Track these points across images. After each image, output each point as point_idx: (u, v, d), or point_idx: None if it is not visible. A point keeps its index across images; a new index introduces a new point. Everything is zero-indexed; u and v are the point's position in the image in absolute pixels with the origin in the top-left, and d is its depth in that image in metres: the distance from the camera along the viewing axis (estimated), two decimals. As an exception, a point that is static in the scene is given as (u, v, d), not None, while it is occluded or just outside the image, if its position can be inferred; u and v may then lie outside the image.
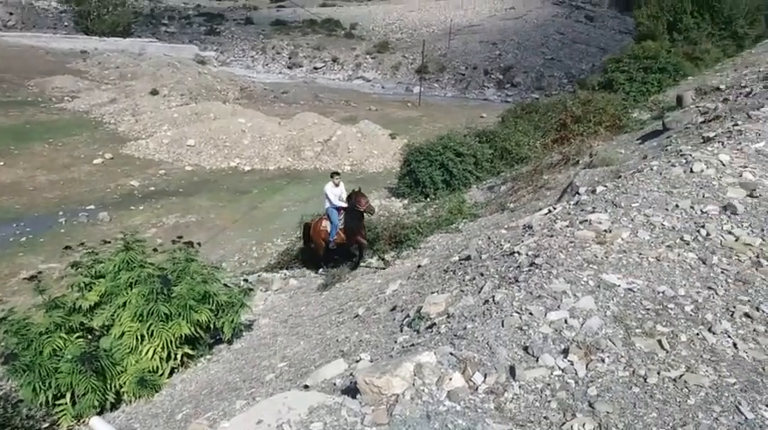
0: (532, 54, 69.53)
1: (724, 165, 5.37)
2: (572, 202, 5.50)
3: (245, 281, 11.26)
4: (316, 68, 73.51)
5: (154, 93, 37.65)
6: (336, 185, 11.57)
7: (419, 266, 8.32)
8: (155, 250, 8.05)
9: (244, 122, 31.02)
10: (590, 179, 9.21)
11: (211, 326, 7.32)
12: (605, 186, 5.64)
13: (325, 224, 11.64)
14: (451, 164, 18.08)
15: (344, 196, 11.38)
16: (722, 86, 13.40)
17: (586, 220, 4.48)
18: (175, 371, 6.97)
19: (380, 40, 78.16)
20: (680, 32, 26.06)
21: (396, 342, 4.35)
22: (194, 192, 24.61)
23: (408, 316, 4.87)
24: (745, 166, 5.38)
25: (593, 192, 5.62)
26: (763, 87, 11.06)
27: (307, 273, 13.12)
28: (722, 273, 3.68)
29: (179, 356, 6.93)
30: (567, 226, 4.56)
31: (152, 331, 6.51)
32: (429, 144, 19.41)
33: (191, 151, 29.03)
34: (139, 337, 6.44)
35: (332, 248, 11.61)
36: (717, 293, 3.44)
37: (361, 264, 11.42)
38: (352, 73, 72.24)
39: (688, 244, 4.01)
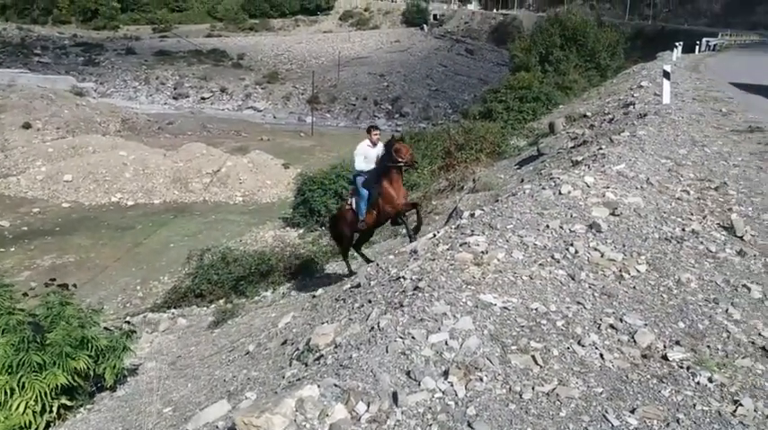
0: (419, 85, 72.07)
1: (589, 186, 5.78)
2: (453, 226, 5.68)
3: (128, 323, 10.58)
4: (203, 99, 71.65)
5: (26, 126, 34.96)
6: (374, 145, 8.62)
7: (314, 296, 8.23)
8: (25, 295, 7.41)
9: (126, 155, 29.50)
10: (472, 203, 9.60)
11: (91, 373, 6.80)
12: (483, 210, 5.89)
13: (351, 201, 8.90)
14: (345, 192, 18.18)
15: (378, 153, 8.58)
16: (588, 113, 14.54)
17: (466, 243, 4.63)
18: (51, 424, 6.37)
19: (270, 71, 77.69)
20: (551, 64, 28.14)
21: (283, 377, 4.23)
22: (72, 230, 22.96)
23: (298, 349, 4.77)
24: (608, 187, 5.82)
25: (473, 215, 5.84)
26: (623, 114, 12.11)
27: (197, 310, 12.56)
28: (589, 287, 3.92)
29: (55, 408, 6.35)
30: (448, 249, 4.69)
31: (23, 383, 5.93)
32: (323, 173, 19.47)
33: (68, 187, 27.17)
34: (8, 391, 5.84)
35: (363, 229, 8.92)
36: (585, 307, 3.66)
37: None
38: (241, 103, 71.14)
39: (558, 261, 4.25)
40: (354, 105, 68.96)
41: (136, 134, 40.61)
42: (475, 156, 16.13)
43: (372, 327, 3.61)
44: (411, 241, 8.00)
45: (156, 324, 11.57)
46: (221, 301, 11.92)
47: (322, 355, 3.84)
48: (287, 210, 21.58)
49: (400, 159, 8.07)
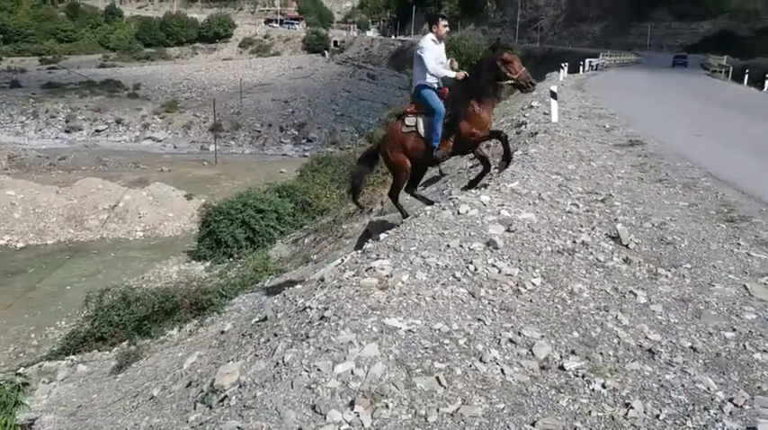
0: (324, 110, 72.45)
1: (485, 205, 5.99)
2: (359, 251, 5.69)
3: (20, 375, 9.77)
4: (98, 131, 68.40)
5: None
6: (441, 40, 6.83)
7: (222, 332, 7.94)
8: None
9: (13, 194, 27.52)
10: (380, 226, 9.66)
11: (-21, 435, 6.19)
12: (387, 233, 5.94)
13: (414, 121, 6.69)
14: (253, 221, 17.90)
15: (445, 63, 6.82)
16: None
17: (371, 268, 4.64)
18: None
19: (168, 100, 75.46)
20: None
21: (187, 422, 4.03)
22: (-45, 278, 21.02)
23: (203, 390, 4.57)
24: (503, 205, 6.06)
25: (378, 239, 5.88)
26: (516, 133, 12.71)
27: (98, 355, 11.81)
28: (489, 303, 4.03)
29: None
30: (354, 275, 4.68)
31: None
32: (228, 202, 19.08)
33: (-52, 233, 24.93)
34: None
35: (439, 159, 7.00)
36: (485, 324, 3.76)
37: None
38: (139, 134, 68.52)
39: (459, 280, 4.35)
40: (259, 132, 68.22)
41: (25, 171, 38.02)
42: (382, 178, 16.34)
43: (278, 363, 3.52)
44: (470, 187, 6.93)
45: (54, 373, 10.81)
46: (124, 344, 11.29)
47: (226, 396, 3.69)
48: (192, 243, 20.87)
49: (510, 74, 6.21)
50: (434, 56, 6.64)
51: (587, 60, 40.95)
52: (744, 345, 3.58)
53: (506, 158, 7.06)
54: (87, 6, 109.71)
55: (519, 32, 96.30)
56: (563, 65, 29.54)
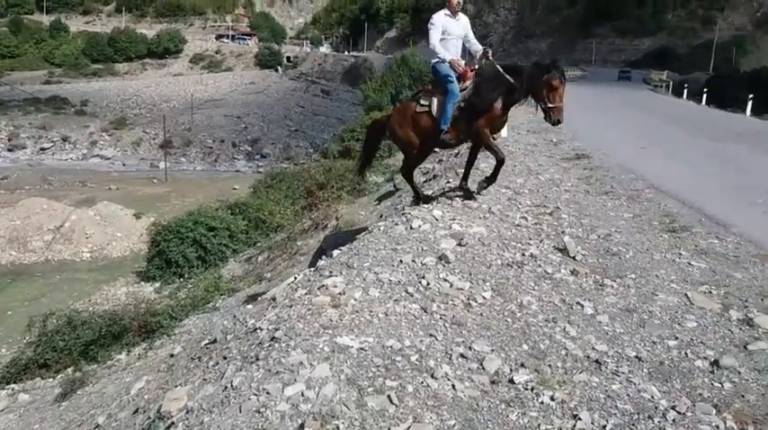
0: (278, 126, 72.04)
1: (437, 219, 6.04)
2: (312, 269, 5.64)
3: (-47, 410, 9.28)
4: (43, 149, 66.15)
5: None
6: (454, 14, 6.42)
7: (171, 356, 7.71)
8: None
9: (-51, 217, 26.24)
10: (335, 242, 9.62)
11: None
12: (340, 249, 5.92)
13: (428, 101, 6.42)
14: (205, 239, 17.53)
15: (478, 48, 6.56)
16: (436, 149, 15.30)
17: (324, 285, 4.60)
18: None
19: (117, 117, 73.72)
20: (401, 103, 29.45)
21: (133, 452, 3.88)
22: None
23: (149, 417, 4.41)
24: (454, 219, 6.12)
25: (331, 256, 5.85)
26: (467, 148, 12.90)
27: (41, 383, 11.30)
28: (441, 318, 4.05)
29: None
30: (306, 293, 4.63)
31: None
32: (179, 221, 18.67)
33: None
34: None
35: (446, 143, 6.67)
36: (437, 339, 3.76)
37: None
38: (87, 151, 66.60)
39: (412, 295, 4.35)
40: (211, 148, 67.27)
41: (-38, 193, 36.37)
42: (337, 194, 16.34)
43: (226, 387, 3.43)
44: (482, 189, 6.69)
45: (-7, 405, 10.27)
46: (69, 370, 10.84)
47: (173, 423, 3.57)
48: (141, 264, 20.29)
49: (550, 101, 5.80)
50: (443, 29, 6.30)
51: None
52: (685, 353, 3.69)
53: (490, 180, 6.80)
54: (31, 21, 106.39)
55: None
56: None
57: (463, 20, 6.50)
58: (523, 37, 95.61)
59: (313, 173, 18.60)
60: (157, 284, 17.73)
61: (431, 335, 3.82)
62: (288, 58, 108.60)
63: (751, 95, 25.07)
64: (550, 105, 5.82)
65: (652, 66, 58.02)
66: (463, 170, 7.04)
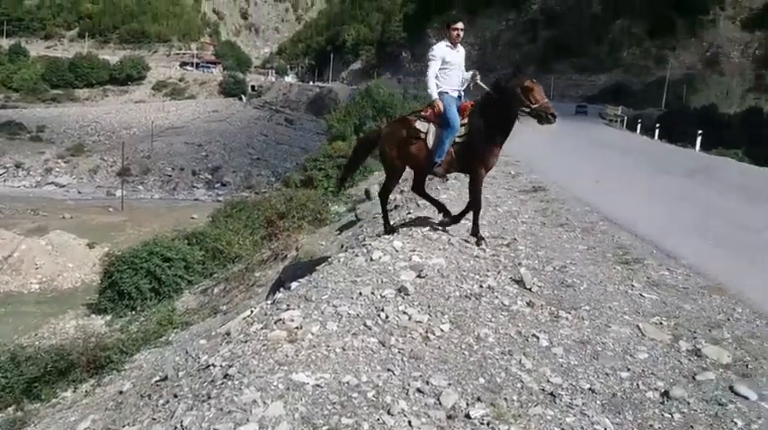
0: (239, 154, 71.58)
1: (397, 250, 6.04)
2: (269, 302, 5.55)
3: None
4: (-6, 176, 64.00)
5: None
6: (454, 45, 6.43)
7: (120, 393, 7.44)
8: None
9: None
10: (294, 273, 9.52)
11: None
12: (299, 281, 5.85)
13: (425, 128, 6.30)
14: (159, 270, 17.10)
15: (467, 76, 6.52)
16: (400, 180, 15.41)
17: (280, 319, 4.53)
18: None
19: (74, 143, 72.19)
20: (365, 133, 29.71)
21: (75, 497, 3.69)
22: None
23: (95, 459, 4.23)
24: (414, 250, 6.13)
25: (289, 288, 5.77)
26: (429, 179, 13.03)
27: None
28: (399, 352, 4.02)
29: None
30: (262, 328, 4.54)
31: None
32: (133, 251, 18.19)
33: None
34: None
35: (437, 175, 6.58)
36: (394, 374, 3.73)
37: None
38: (41, 179, 64.87)
39: (370, 328, 4.32)
40: (170, 176, 66.31)
41: None
42: (297, 224, 16.21)
43: (176, 427, 3.32)
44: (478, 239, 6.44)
45: (-75, 449, 9.66)
46: (11, 409, 10.32)
47: (118, 466, 3.42)
48: (92, 295, 19.63)
49: (531, 102, 5.72)
50: (443, 60, 6.26)
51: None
52: (637, 384, 3.75)
53: (455, 219, 6.74)
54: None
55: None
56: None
57: (462, 51, 6.53)
58: (486, 71, 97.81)
59: (274, 202, 18.46)
60: (109, 317, 17.16)
61: (388, 369, 3.78)
62: (252, 86, 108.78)
63: (700, 131, 26.17)
64: (535, 106, 5.77)
65: (608, 101, 60.21)
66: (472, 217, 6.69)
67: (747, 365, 4.02)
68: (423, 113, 6.44)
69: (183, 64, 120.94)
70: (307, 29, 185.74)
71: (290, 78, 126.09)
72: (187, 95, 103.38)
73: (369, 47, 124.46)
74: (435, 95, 6.24)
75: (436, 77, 6.33)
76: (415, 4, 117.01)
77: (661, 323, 4.71)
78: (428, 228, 7.13)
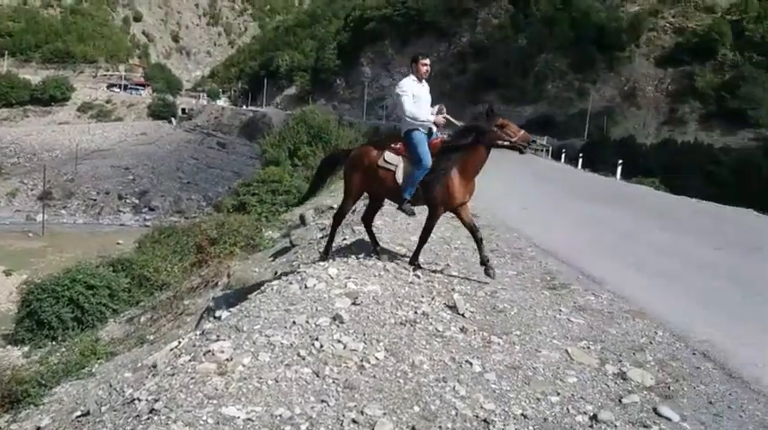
0: (169, 178, 69.67)
1: (332, 278, 6.00)
2: (198, 332, 5.36)
3: None
4: None
5: None
6: (420, 80, 6.45)
7: (38, 429, 6.97)
8: None
9: None
10: (225, 301, 9.27)
11: None
12: (230, 311, 5.70)
13: (396, 161, 6.25)
14: (82, 298, 16.26)
15: (434, 110, 6.47)
16: (335, 205, 15.36)
17: (210, 351, 4.38)
18: None
19: (-11, 165, 67.99)
20: (300, 159, 29.59)
21: None
22: None
23: None
24: (350, 277, 6.10)
25: (219, 318, 5.61)
26: (364, 206, 13.06)
27: None
28: (333, 382, 3.96)
29: None
30: (190, 360, 4.38)
31: None
32: (54, 278, 17.23)
33: None
34: None
35: (405, 212, 6.47)
36: (329, 405, 3.67)
37: None
38: (-50, 202, 60.61)
39: (304, 359, 4.24)
40: (95, 200, 63.66)
41: None
42: (229, 250, 15.82)
43: (95, 467, 3.12)
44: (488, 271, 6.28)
45: None
46: None
47: None
48: (8, 326, 18.39)
49: (510, 136, 5.91)
50: (415, 97, 6.24)
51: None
52: (567, 409, 3.85)
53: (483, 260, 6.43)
54: None
55: (366, 109, 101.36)
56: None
57: (426, 86, 6.54)
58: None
59: (204, 227, 17.93)
60: (26, 348, 16.08)
61: (322, 400, 3.72)
62: (183, 109, 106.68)
63: (621, 161, 27.63)
64: (514, 139, 5.96)
65: (534, 131, 62.57)
66: (478, 249, 6.52)
67: (669, 387, 4.21)
68: (394, 146, 6.36)
69: (111, 85, 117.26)
70: (240, 53, 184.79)
71: (222, 102, 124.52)
72: (114, 118, 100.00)
73: (303, 73, 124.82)
74: (431, 118, 6.31)
75: (403, 116, 6.32)
76: (348, 34, 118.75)
77: (588, 347, 4.88)
78: (363, 254, 7.14)
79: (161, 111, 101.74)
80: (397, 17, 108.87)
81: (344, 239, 8.79)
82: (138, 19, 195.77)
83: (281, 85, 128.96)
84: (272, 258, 13.13)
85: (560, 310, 5.74)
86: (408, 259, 7.05)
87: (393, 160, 6.27)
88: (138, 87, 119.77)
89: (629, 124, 71.48)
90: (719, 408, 3.93)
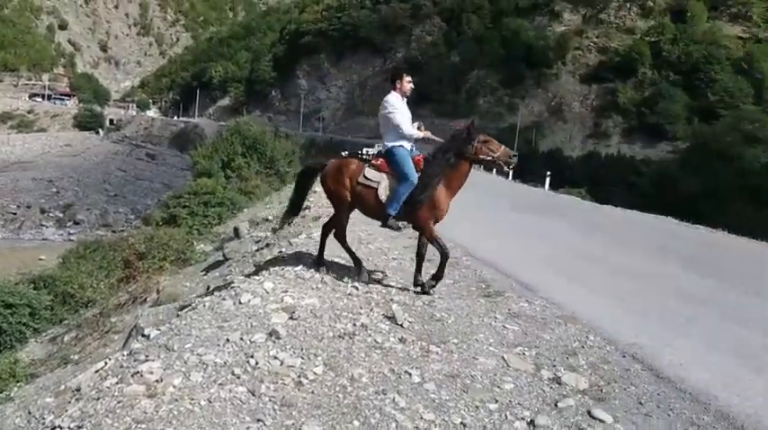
0: (95, 191, 66.80)
1: (268, 292, 5.86)
2: (126, 352, 5.10)
3: None
4: None
5: None
6: (404, 96, 6.41)
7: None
8: None
9: None
10: (155, 319, 8.89)
11: None
12: (159, 329, 5.46)
13: (377, 178, 6.17)
14: (0, 318, 15.26)
15: (412, 125, 6.30)
16: (270, 217, 15.16)
17: (138, 372, 4.16)
18: None
19: None
20: (233, 170, 29.00)
21: None
22: None
23: None
24: (286, 291, 5.98)
25: (148, 337, 5.36)
26: (301, 217, 12.91)
27: None
28: (270, 400, 3.84)
29: None
30: (117, 382, 4.14)
31: None
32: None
33: None
34: None
35: (391, 228, 6.36)
36: (265, 424, 3.55)
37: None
38: None
39: (239, 377, 4.09)
40: (15, 214, 60.14)
41: None
42: (159, 264, 15.26)
43: (9, 503, 2.89)
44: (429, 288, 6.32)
45: None
46: None
47: None
48: None
49: (491, 152, 6.03)
50: (405, 115, 6.20)
51: (365, 149, 44.43)
52: (505, 415, 3.88)
53: (437, 276, 6.44)
54: None
55: (303, 121, 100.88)
56: (343, 152, 31.41)
57: (405, 102, 6.51)
58: (354, 113, 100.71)
59: (133, 241, 17.21)
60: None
61: (258, 420, 3.59)
62: (111, 120, 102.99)
63: (549, 172, 28.64)
64: (497, 154, 6.08)
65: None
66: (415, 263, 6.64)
67: (602, 390, 4.33)
68: (373, 162, 6.30)
69: (33, 95, 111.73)
70: (172, 64, 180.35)
71: (152, 113, 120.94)
72: (37, 128, 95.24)
73: (237, 84, 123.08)
74: (421, 134, 6.29)
75: (388, 132, 6.27)
76: (284, 46, 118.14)
77: (524, 353, 4.96)
78: (301, 266, 7.02)
79: (87, 122, 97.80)
80: (332, 32, 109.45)
81: (280, 251, 8.63)
82: (63, 27, 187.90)
83: (215, 96, 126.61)
84: (204, 273, 12.76)
85: (496, 318, 5.82)
86: (346, 270, 6.99)
87: (375, 177, 6.19)
88: (63, 97, 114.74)
89: (556, 138, 74.36)
90: (649, 408, 4.07)
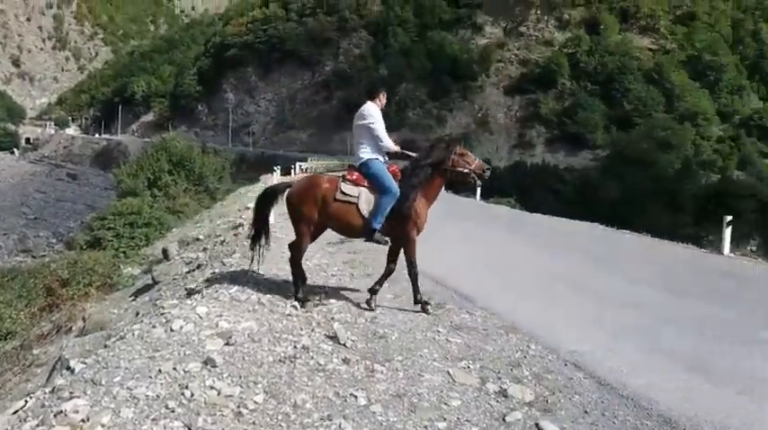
0: (12, 214, 63.05)
1: (202, 317, 5.59)
2: (48, 389, 4.71)
3: None
4: None
5: None
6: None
7: None
8: None
9: None
10: (81, 349, 8.39)
11: None
12: (85, 363, 5.09)
13: (355, 192, 6.05)
14: None
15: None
16: (201, 236, 14.67)
17: (62, 411, 3.84)
18: None
19: None
20: (160, 189, 28.00)
21: None
22: None
23: None
24: (221, 315, 5.73)
25: (73, 371, 4.98)
26: (234, 235, 12.56)
27: None
28: (208, 434, 3.62)
29: None
30: (39, 424, 3.81)
31: None
32: None
33: None
34: None
35: (378, 241, 6.21)
36: (204, 460, 3.33)
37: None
38: None
39: (173, 411, 3.85)
40: None
41: None
42: (83, 290, 14.45)
43: None
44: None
45: None
46: None
47: None
48: None
49: (467, 164, 6.18)
50: (383, 126, 6.24)
51: (297, 164, 44.03)
52: (454, 433, 3.82)
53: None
54: None
55: (232, 136, 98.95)
56: (275, 167, 30.98)
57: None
58: (285, 127, 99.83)
59: (55, 267, 16.22)
60: None
61: (195, 455, 3.37)
62: (27, 139, 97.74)
63: (479, 183, 29.17)
64: (472, 166, 6.21)
65: (398, 156, 64.71)
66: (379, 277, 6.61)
67: (547, 400, 4.34)
68: (348, 176, 6.18)
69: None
70: (91, 79, 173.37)
71: (72, 130, 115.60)
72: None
73: (161, 99, 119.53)
74: (398, 148, 6.39)
75: (364, 144, 6.24)
76: (209, 60, 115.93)
77: (468, 367, 4.93)
78: (236, 288, 6.78)
79: (1, 142, 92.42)
80: (258, 44, 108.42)
81: (213, 273, 8.31)
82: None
83: (138, 111, 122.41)
84: (132, 298, 12.17)
85: (439, 331, 5.78)
86: (284, 290, 6.80)
87: (353, 192, 6.06)
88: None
89: (483, 148, 76.37)
90: (595, 417, 4.11)
